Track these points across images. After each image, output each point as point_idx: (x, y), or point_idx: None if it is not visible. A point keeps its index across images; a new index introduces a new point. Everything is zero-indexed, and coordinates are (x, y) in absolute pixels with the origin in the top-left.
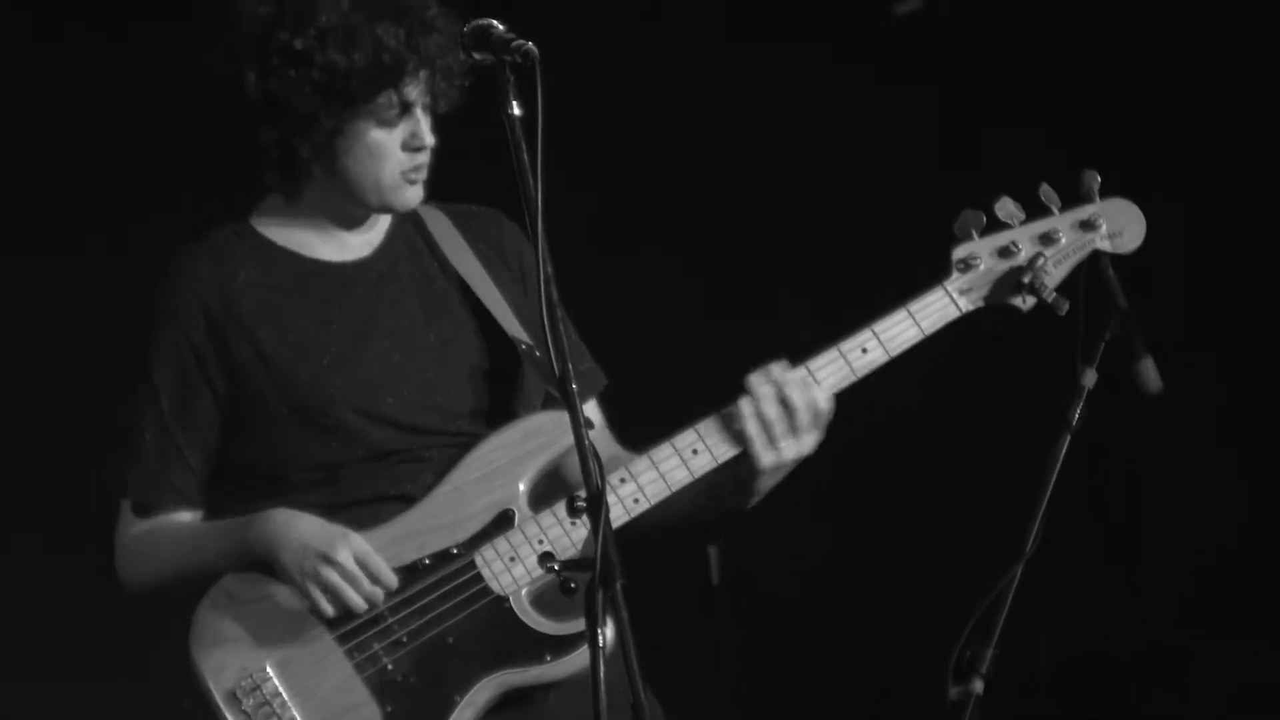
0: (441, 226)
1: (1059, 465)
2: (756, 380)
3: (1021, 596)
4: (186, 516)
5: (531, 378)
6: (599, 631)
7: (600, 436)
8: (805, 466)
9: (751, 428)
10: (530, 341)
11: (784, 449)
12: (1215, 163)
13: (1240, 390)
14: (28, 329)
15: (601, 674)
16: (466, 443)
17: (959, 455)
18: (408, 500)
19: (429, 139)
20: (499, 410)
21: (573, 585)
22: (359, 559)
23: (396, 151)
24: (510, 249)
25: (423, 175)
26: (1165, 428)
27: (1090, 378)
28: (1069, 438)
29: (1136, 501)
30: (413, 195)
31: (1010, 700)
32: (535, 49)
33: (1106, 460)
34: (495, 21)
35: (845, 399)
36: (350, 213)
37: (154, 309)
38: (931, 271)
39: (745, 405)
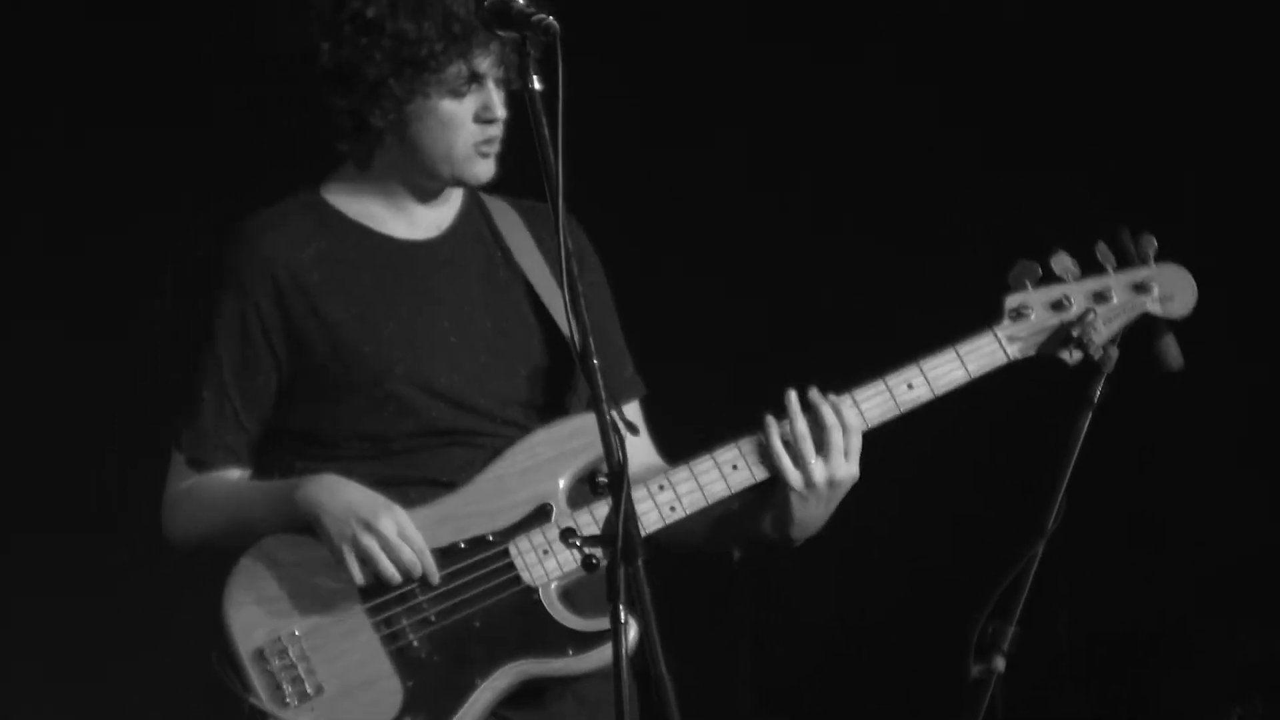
0: (508, 220)
1: (1080, 443)
2: (790, 397)
3: (1043, 574)
4: (235, 474)
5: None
6: (619, 607)
7: (642, 445)
8: None
9: (777, 443)
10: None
11: (813, 469)
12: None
13: (1263, 370)
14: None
15: (624, 651)
16: (513, 434)
17: (981, 434)
18: (452, 487)
19: (500, 111)
20: (550, 406)
21: (594, 561)
22: (401, 531)
23: (468, 123)
24: (574, 248)
25: (495, 149)
26: (1187, 406)
27: (1112, 354)
28: (1090, 415)
29: (1157, 480)
30: (484, 168)
31: (1032, 678)
32: (556, 23)
33: (1127, 438)
34: (503, 113)
35: None
36: (421, 185)
37: (221, 272)
38: (983, 315)
39: (774, 420)
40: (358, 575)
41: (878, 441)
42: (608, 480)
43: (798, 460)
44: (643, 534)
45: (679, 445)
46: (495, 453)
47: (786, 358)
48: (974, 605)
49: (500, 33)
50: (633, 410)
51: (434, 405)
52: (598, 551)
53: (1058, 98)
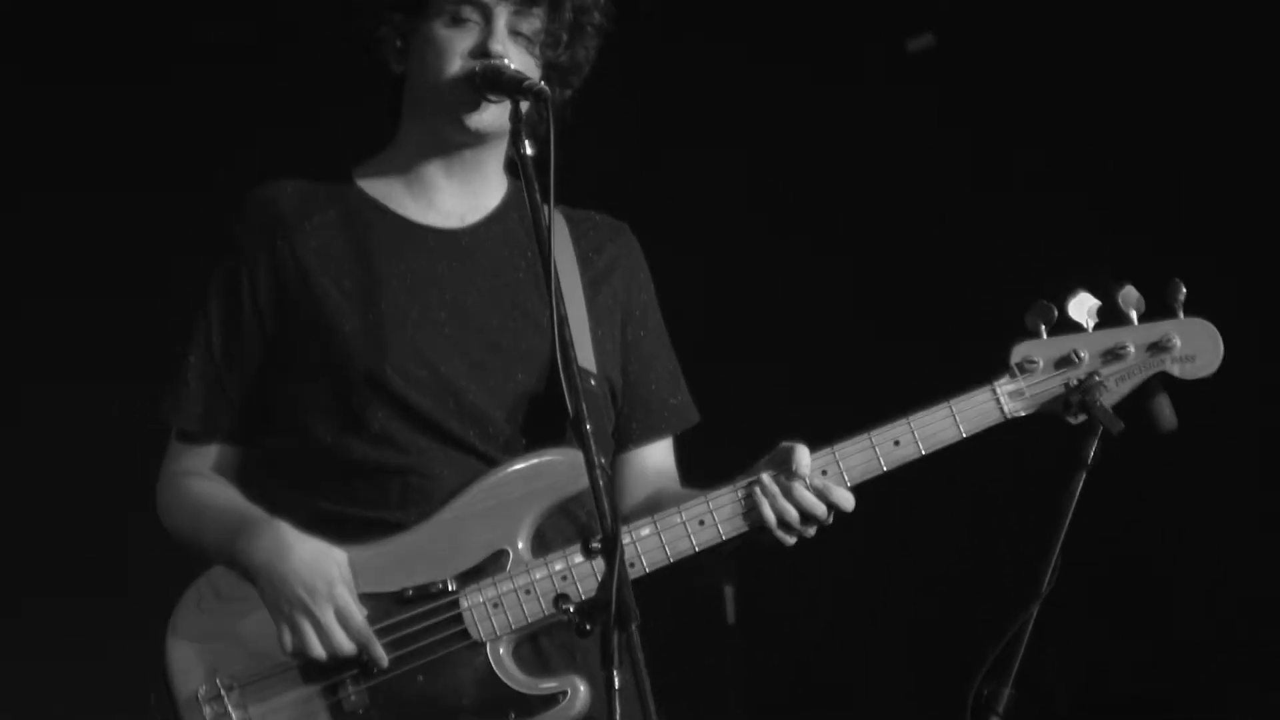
0: (554, 225)
1: (1074, 503)
2: (767, 479)
3: (1038, 635)
4: (216, 452)
5: (590, 408)
6: (613, 672)
7: (657, 480)
8: None
9: (769, 518)
10: (597, 373)
11: (805, 531)
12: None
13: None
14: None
15: (618, 716)
16: (502, 444)
17: (974, 496)
18: (417, 498)
19: (496, 46)
20: (546, 420)
21: (588, 627)
22: (340, 612)
23: (459, 50)
24: (623, 266)
25: (493, 102)
26: (1180, 465)
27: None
28: (1084, 476)
29: (1152, 541)
30: (477, 119)
31: None
32: (548, 89)
33: (1122, 499)
34: (508, 61)
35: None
36: (442, 145)
37: (222, 240)
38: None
39: (762, 498)
40: (287, 648)
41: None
42: (601, 548)
43: (788, 529)
44: (618, 520)
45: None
46: (479, 461)
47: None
48: (976, 660)
49: (491, 98)
50: (666, 445)
51: (409, 394)
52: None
53: (1067, 116)
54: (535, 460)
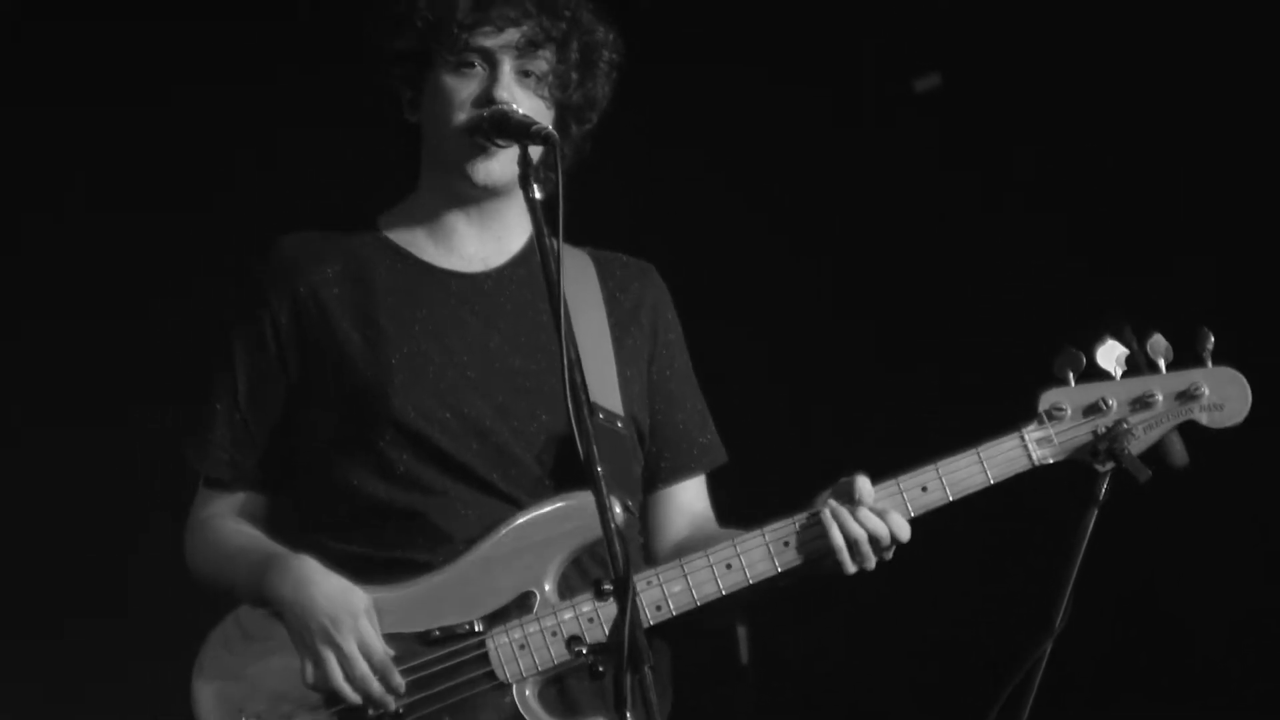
0: (578, 267)
1: (1086, 541)
2: (836, 504)
3: (1051, 672)
4: (246, 497)
5: (610, 450)
6: (626, 715)
7: (689, 517)
8: None
9: (838, 541)
10: (624, 414)
11: (869, 558)
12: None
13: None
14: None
15: None
16: (528, 485)
17: (987, 533)
18: (446, 539)
19: (501, 93)
20: (566, 465)
21: (600, 669)
22: (362, 645)
23: (464, 100)
24: (650, 307)
25: (497, 149)
26: (1191, 504)
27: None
28: (1096, 513)
29: (1164, 579)
30: (482, 170)
31: None
32: (556, 134)
33: (1134, 537)
34: (515, 106)
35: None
36: (459, 195)
37: (244, 284)
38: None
39: (830, 520)
40: (310, 682)
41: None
42: (613, 590)
43: (856, 559)
44: (629, 563)
45: None
46: (504, 504)
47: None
48: (989, 699)
49: (500, 143)
50: (698, 484)
51: (434, 437)
52: (602, 660)
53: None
54: (562, 504)
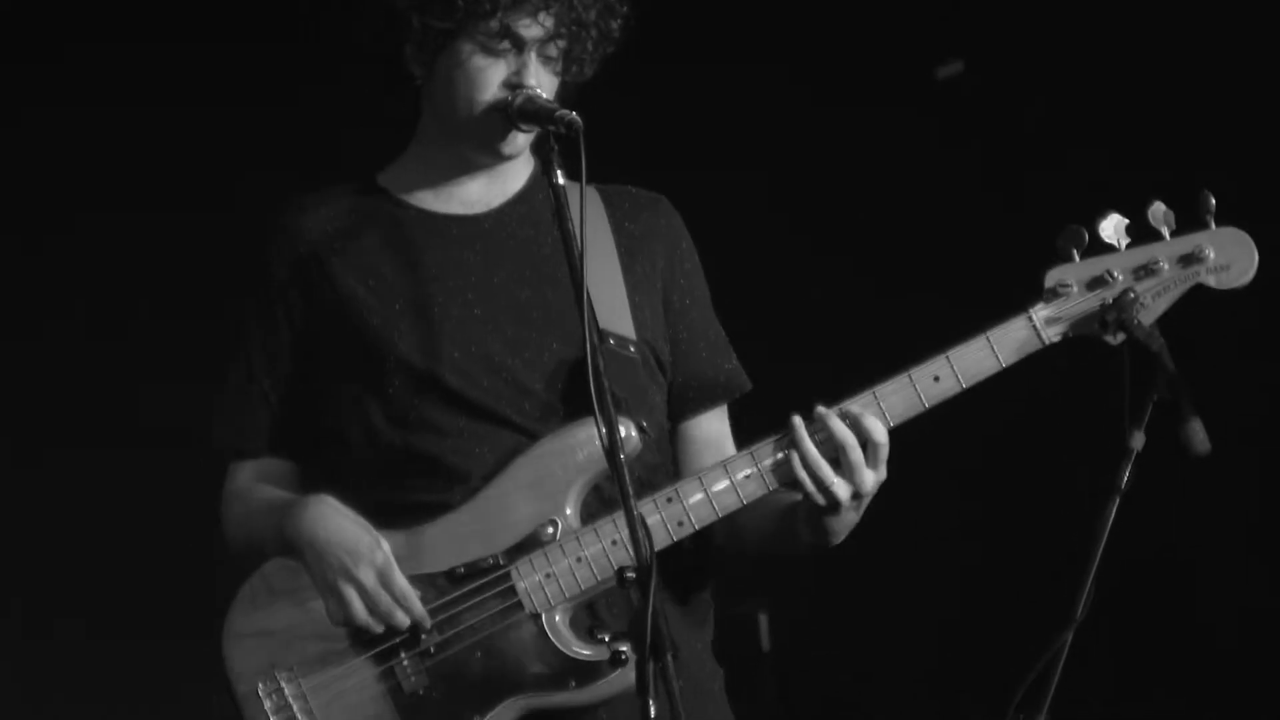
0: (587, 201)
1: (1108, 530)
2: (795, 422)
3: (1073, 662)
4: (273, 464)
5: (623, 375)
6: (649, 701)
7: (716, 448)
8: (852, 540)
9: (798, 465)
10: (636, 339)
11: (836, 489)
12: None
13: None
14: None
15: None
16: (542, 417)
17: (1008, 522)
18: (463, 478)
19: (531, 79)
20: (581, 391)
21: (623, 657)
22: (382, 577)
23: (494, 81)
24: (662, 236)
25: (525, 130)
26: (1213, 490)
27: (1138, 440)
28: (1118, 501)
29: (1187, 566)
30: (510, 143)
31: None
32: (579, 119)
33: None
34: (540, 91)
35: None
36: (462, 157)
37: (255, 253)
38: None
39: (789, 444)
40: (337, 619)
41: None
42: (635, 578)
43: (819, 482)
44: (654, 550)
45: None
46: (520, 436)
47: (810, 358)
48: (1010, 689)
49: (524, 127)
50: (721, 414)
51: (444, 378)
52: (625, 647)
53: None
54: (576, 430)
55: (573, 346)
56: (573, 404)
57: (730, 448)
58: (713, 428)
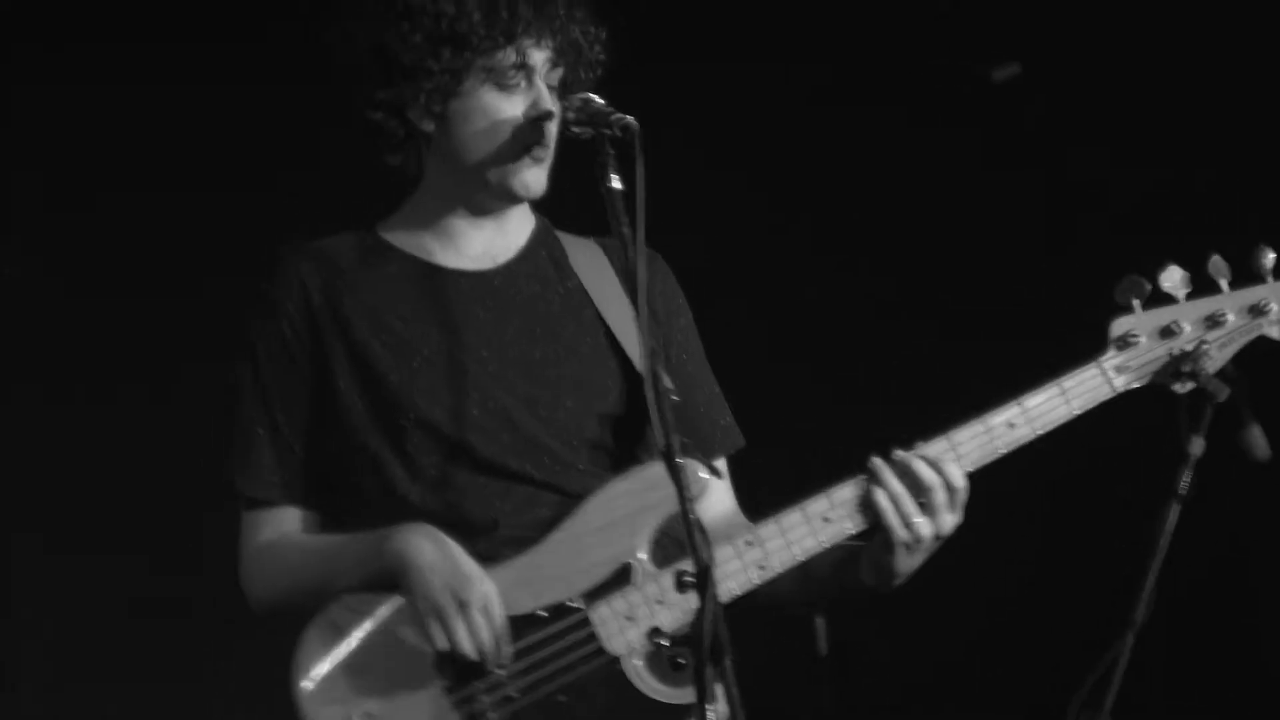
0: (587, 254)
1: (1169, 536)
2: (879, 463)
3: (1134, 664)
4: (292, 514)
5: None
6: (707, 709)
7: (721, 497)
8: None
9: (884, 500)
10: (672, 385)
11: (920, 527)
12: None
13: None
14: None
15: None
16: (560, 471)
17: (1068, 528)
18: (492, 527)
19: (550, 105)
20: (615, 445)
21: (681, 661)
22: (485, 609)
23: (516, 120)
24: (660, 291)
25: (547, 156)
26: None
27: (1198, 446)
28: (1178, 508)
29: (1248, 571)
30: (534, 177)
31: None
32: (635, 122)
33: (1217, 530)
34: (594, 95)
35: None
36: (475, 204)
37: (258, 302)
38: (1089, 346)
39: (873, 482)
40: (440, 643)
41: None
42: (694, 580)
43: (905, 519)
44: (731, 597)
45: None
46: (540, 491)
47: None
48: (1070, 693)
49: (577, 131)
50: (721, 466)
51: (466, 434)
52: (684, 653)
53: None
54: (645, 472)
55: (583, 404)
56: (595, 458)
57: (731, 501)
58: (713, 482)
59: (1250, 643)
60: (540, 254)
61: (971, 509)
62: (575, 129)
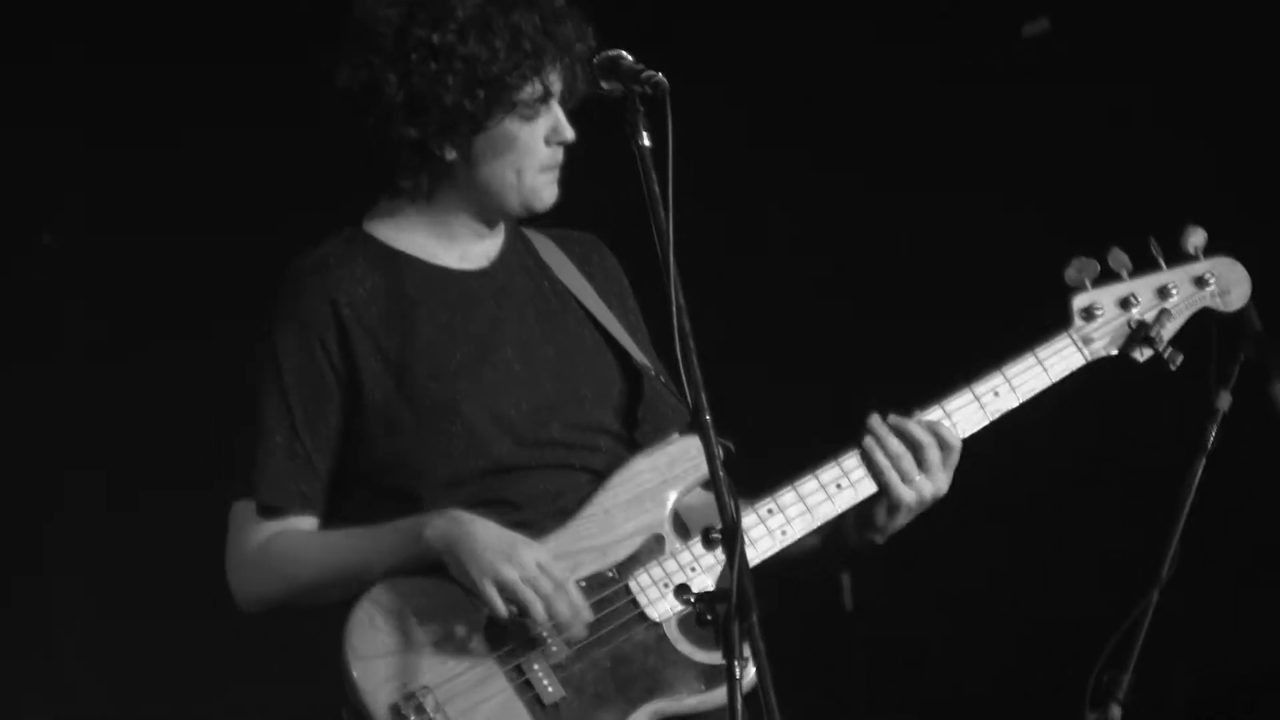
0: (547, 248)
1: (1194, 489)
2: (876, 420)
3: (1158, 622)
4: (308, 523)
5: (658, 401)
6: (735, 663)
7: None
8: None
9: (884, 460)
10: (651, 365)
11: (920, 485)
12: None
13: None
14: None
15: (739, 705)
16: (587, 458)
17: (1093, 481)
18: (528, 521)
19: (570, 133)
20: (623, 430)
21: (709, 617)
22: (540, 563)
23: (540, 146)
24: (613, 274)
25: (557, 173)
26: None
27: (1225, 400)
28: (1204, 461)
29: (1272, 524)
30: (550, 193)
31: None
32: (665, 80)
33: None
34: (624, 52)
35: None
36: (484, 216)
37: (280, 312)
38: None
39: (873, 443)
40: (500, 608)
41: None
42: (721, 536)
43: (905, 477)
44: (758, 559)
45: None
46: (574, 478)
47: (865, 374)
48: (1096, 647)
49: (606, 86)
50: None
51: (504, 436)
52: (711, 609)
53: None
54: (667, 446)
55: (600, 392)
56: (623, 438)
57: None
58: None
59: (1273, 599)
60: (519, 249)
61: (992, 462)
62: (605, 85)
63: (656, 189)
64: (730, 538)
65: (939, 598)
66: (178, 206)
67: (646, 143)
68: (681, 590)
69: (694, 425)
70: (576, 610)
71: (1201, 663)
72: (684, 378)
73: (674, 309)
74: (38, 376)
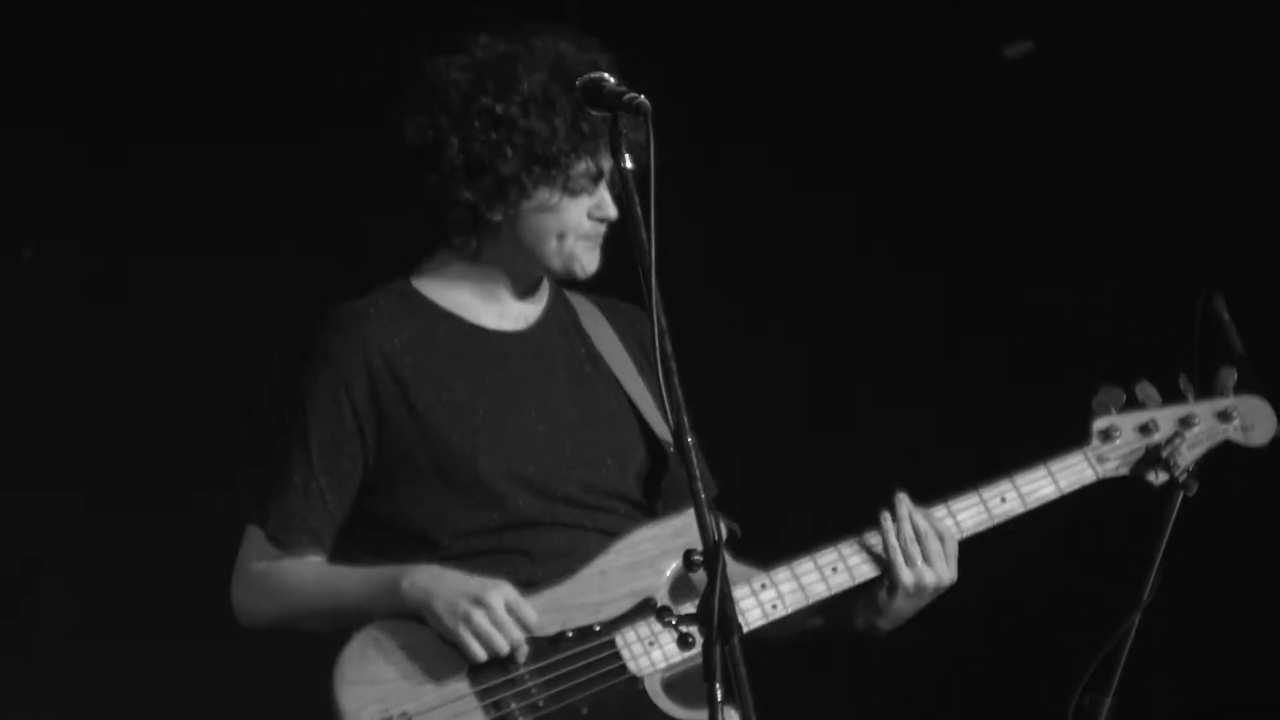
0: (591, 316)
1: (1175, 513)
2: (901, 499)
3: (1140, 645)
4: (313, 557)
5: (676, 477)
6: (715, 685)
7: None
8: None
9: (894, 542)
10: (672, 442)
11: (922, 571)
12: None
13: None
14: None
15: None
16: (601, 521)
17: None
18: (536, 578)
19: (613, 210)
20: (641, 501)
21: (690, 640)
22: (509, 606)
23: (583, 220)
24: (644, 341)
25: (600, 241)
26: None
27: (1194, 483)
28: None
29: (1254, 547)
30: (591, 261)
31: None
32: (648, 103)
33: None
34: (608, 75)
35: None
36: (525, 276)
37: (315, 354)
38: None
39: (885, 525)
40: (476, 651)
41: None
42: (702, 559)
43: (909, 562)
44: (745, 629)
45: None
46: (587, 539)
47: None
48: (1078, 669)
49: (592, 112)
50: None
51: (520, 494)
52: (694, 630)
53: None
54: (670, 520)
55: (621, 459)
56: (641, 508)
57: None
58: None
59: (1255, 621)
60: (560, 313)
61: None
62: (591, 110)
63: (639, 211)
64: (711, 560)
65: (919, 620)
66: (161, 219)
67: (629, 165)
68: (664, 612)
69: (676, 447)
70: (533, 630)
71: (1183, 685)
72: (665, 400)
73: (655, 331)
74: (11, 390)
